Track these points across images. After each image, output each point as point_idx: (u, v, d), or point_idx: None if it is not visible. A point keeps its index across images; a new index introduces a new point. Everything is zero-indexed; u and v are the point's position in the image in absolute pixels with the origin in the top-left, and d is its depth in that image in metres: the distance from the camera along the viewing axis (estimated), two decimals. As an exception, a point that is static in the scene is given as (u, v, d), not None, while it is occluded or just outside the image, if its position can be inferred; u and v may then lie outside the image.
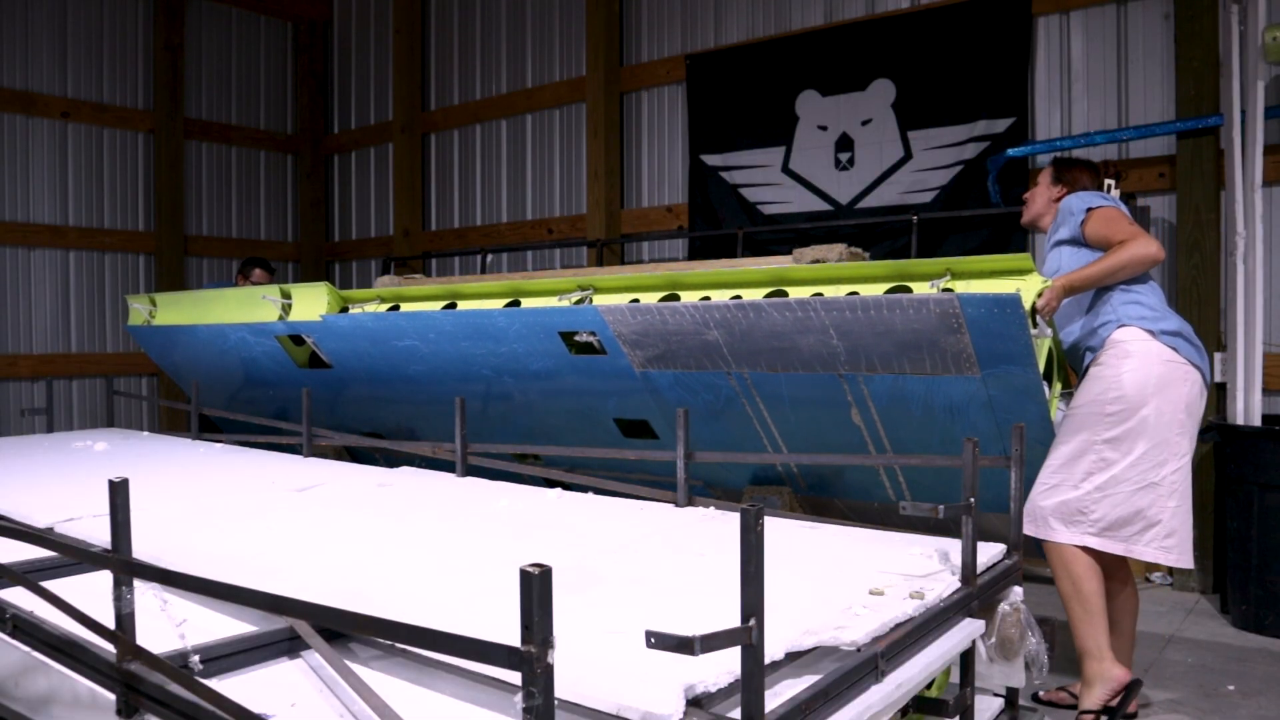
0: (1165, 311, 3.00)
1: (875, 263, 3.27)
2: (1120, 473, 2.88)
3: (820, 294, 3.24)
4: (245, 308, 4.84)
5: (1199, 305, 4.48)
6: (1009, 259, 3.07)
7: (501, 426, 4.35)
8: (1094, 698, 2.86)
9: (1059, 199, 3.26)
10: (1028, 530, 2.91)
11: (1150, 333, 2.92)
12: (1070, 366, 3.27)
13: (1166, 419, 2.87)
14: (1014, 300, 2.75)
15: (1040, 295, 2.96)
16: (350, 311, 4.49)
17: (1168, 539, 2.88)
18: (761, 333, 3.20)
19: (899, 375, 3.08)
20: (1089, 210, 3.03)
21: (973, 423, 3.12)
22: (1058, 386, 3.31)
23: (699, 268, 3.75)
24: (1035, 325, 2.97)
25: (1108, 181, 3.32)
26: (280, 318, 4.60)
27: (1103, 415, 2.90)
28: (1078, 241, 3.07)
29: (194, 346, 5.25)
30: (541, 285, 4.00)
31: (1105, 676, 2.85)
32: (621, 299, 3.76)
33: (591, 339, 3.69)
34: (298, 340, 4.84)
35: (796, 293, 3.35)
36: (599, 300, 3.78)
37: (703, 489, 3.98)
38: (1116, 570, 3.06)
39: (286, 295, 4.62)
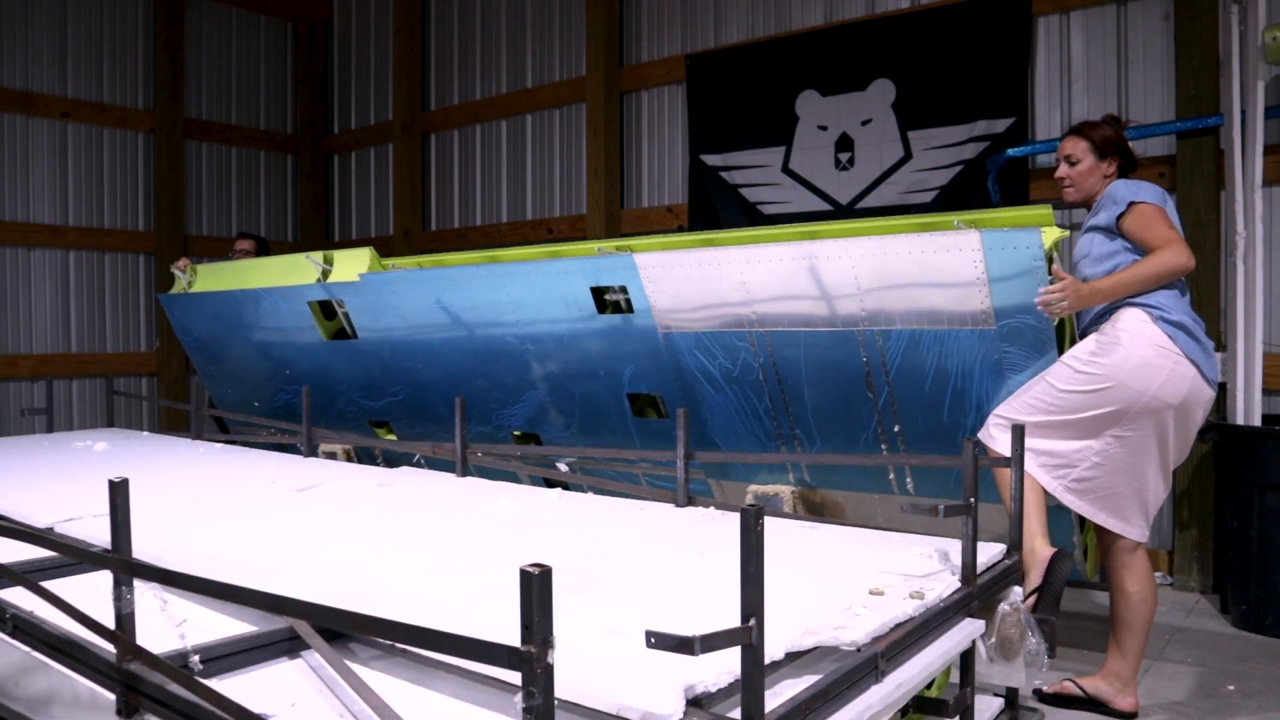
0: (1175, 305, 2.99)
1: (902, 218, 3.30)
2: (1064, 420, 2.94)
3: None
4: (285, 275, 4.87)
5: (1199, 305, 4.46)
6: (1031, 212, 3.10)
7: (515, 404, 4.36)
8: (1030, 580, 2.86)
9: (1110, 174, 3.18)
10: (980, 436, 3.01)
11: (1150, 317, 2.93)
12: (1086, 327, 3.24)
13: (1131, 396, 2.88)
14: (1034, 236, 2.83)
15: (1052, 259, 2.94)
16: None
17: (1075, 483, 2.96)
18: (788, 281, 3.28)
19: (916, 330, 3.14)
20: (1131, 204, 2.99)
21: (984, 390, 3.15)
22: None
23: None
24: (1051, 272, 2.96)
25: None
26: (319, 280, 4.62)
27: (1074, 371, 2.94)
28: (1111, 231, 3.05)
29: (223, 315, 5.28)
30: (580, 249, 4.02)
31: (1035, 558, 2.86)
32: None
33: (621, 296, 3.73)
34: (328, 313, 4.87)
35: None
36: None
37: (703, 482, 3.97)
38: (1132, 565, 3.06)
39: (329, 261, 4.65)
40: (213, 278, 5.40)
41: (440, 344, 4.39)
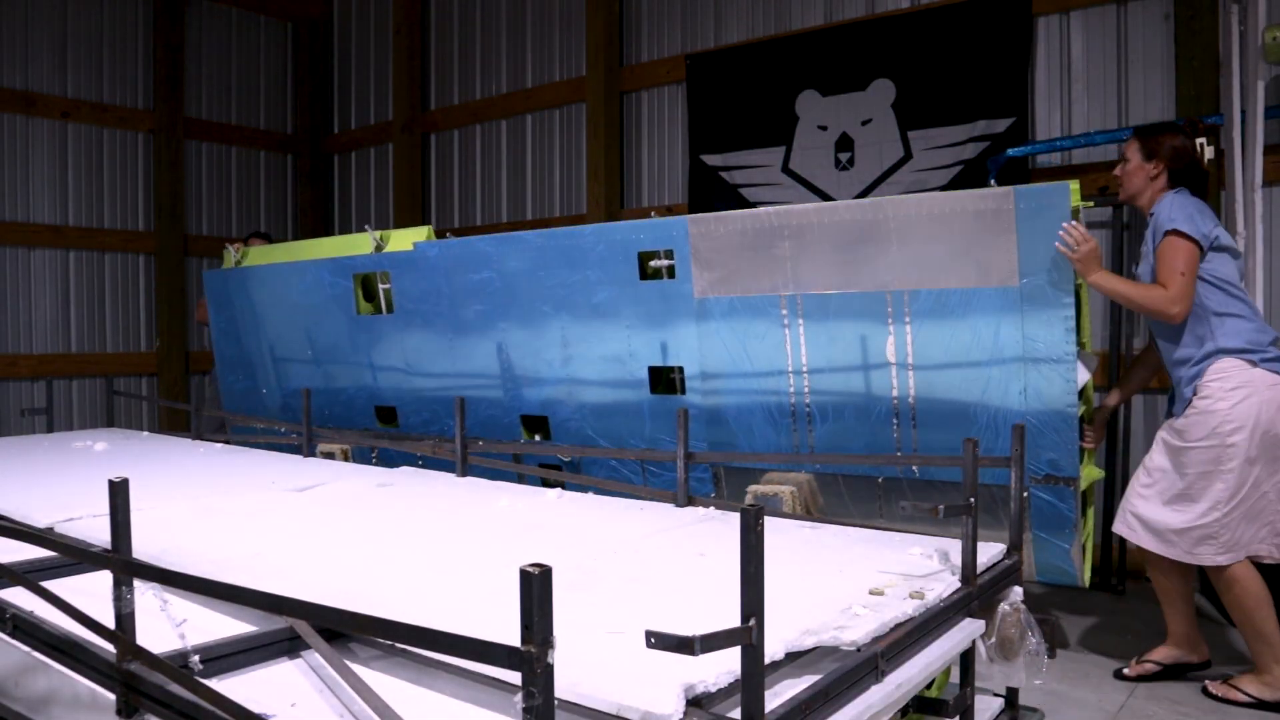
0: (1262, 331, 3.10)
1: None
2: (1247, 492, 3.05)
3: None
4: (339, 252, 5.04)
5: (1199, 305, 4.48)
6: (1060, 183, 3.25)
7: (532, 379, 4.41)
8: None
9: (1156, 175, 3.24)
10: (1167, 552, 3.16)
11: (1251, 362, 3.05)
12: (1164, 367, 3.35)
13: (1275, 437, 3.04)
14: (1064, 189, 3.03)
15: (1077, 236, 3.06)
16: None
17: (1278, 537, 3.09)
18: (831, 241, 3.45)
19: (943, 289, 3.30)
20: (1166, 233, 3.09)
21: (999, 352, 3.25)
22: (1085, 338, 3.45)
23: None
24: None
25: (1200, 141, 3.25)
26: (377, 249, 4.76)
27: (1224, 446, 3.04)
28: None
29: (266, 287, 5.43)
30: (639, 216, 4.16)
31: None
32: None
33: (665, 263, 3.87)
34: (369, 294, 4.99)
35: None
36: None
37: (706, 468, 3.97)
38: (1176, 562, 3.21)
39: (386, 239, 4.83)
40: (264, 256, 5.59)
41: (472, 316, 4.50)
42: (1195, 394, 3.10)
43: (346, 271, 4.95)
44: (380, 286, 4.85)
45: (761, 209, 3.64)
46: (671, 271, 3.85)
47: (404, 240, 4.71)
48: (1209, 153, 3.27)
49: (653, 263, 3.91)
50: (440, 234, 4.77)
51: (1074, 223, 3.02)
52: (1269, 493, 3.07)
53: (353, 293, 4.97)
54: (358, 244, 4.92)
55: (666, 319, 3.90)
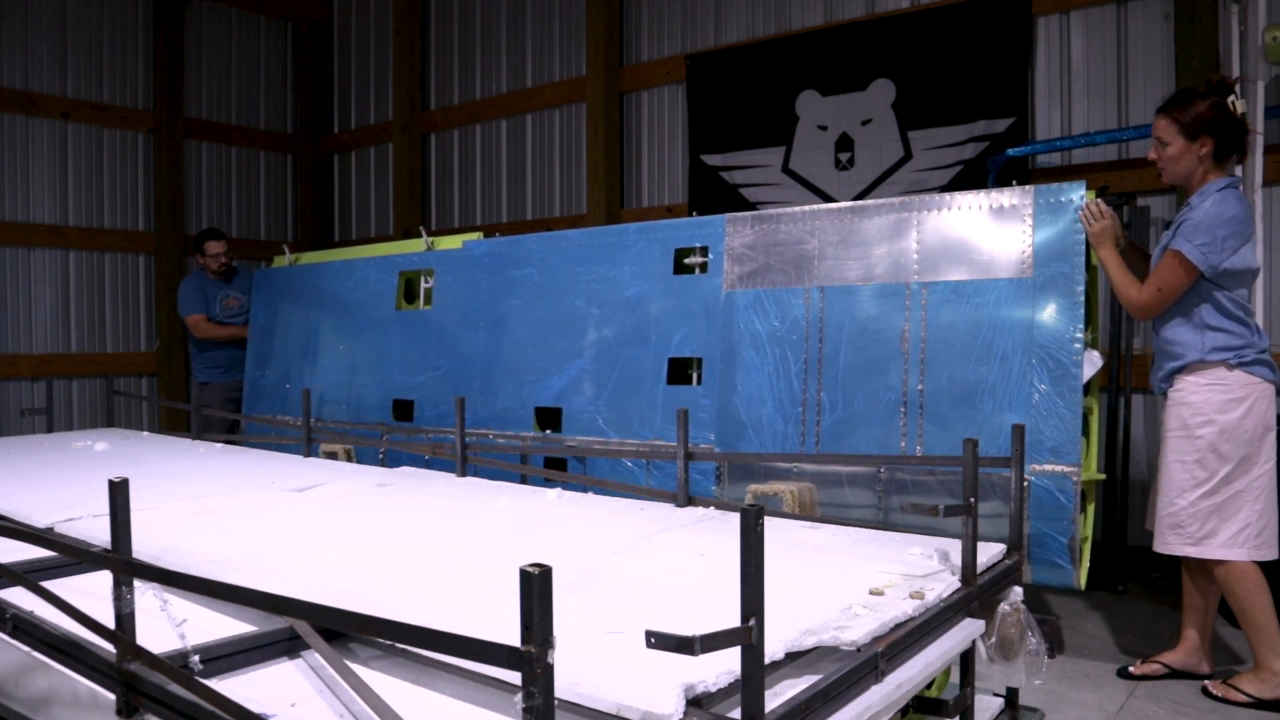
0: (1248, 336, 3.13)
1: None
2: (1214, 486, 3.11)
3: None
4: (393, 252, 5.35)
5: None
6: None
7: (554, 374, 4.47)
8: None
9: (1205, 153, 3.14)
10: (1159, 548, 3.26)
11: (1229, 366, 3.12)
12: (1154, 348, 3.41)
13: (1247, 435, 3.10)
14: (1079, 187, 3.31)
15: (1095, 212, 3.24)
16: None
17: (1258, 538, 3.12)
18: (860, 238, 3.70)
19: (962, 281, 3.49)
20: (1177, 247, 3.10)
21: (1011, 341, 3.36)
22: (1094, 334, 3.57)
23: None
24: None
25: (1231, 99, 3.16)
26: (428, 247, 5.07)
27: (1192, 438, 3.14)
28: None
29: (313, 284, 5.74)
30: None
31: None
32: None
33: (699, 259, 4.11)
34: (410, 295, 5.20)
35: None
36: None
37: (705, 468, 3.97)
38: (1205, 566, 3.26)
39: (436, 243, 5.12)
40: (318, 257, 5.92)
41: (507, 311, 4.67)
42: (1171, 386, 3.23)
43: (393, 269, 5.19)
44: (423, 285, 5.05)
45: (795, 208, 3.85)
46: (705, 267, 4.05)
47: (455, 241, 4.96)
48: (1241, 106, 3.19)
49: (687, 259, 4.11)
50: (489, 233, 4.91)
51: (1099, 200, 3.22)
52: (1244, 492, 3.10)
53: (395, 290, 5.17)
54: (411, 248, 5.19)
55: (694, 312, 4.05)
